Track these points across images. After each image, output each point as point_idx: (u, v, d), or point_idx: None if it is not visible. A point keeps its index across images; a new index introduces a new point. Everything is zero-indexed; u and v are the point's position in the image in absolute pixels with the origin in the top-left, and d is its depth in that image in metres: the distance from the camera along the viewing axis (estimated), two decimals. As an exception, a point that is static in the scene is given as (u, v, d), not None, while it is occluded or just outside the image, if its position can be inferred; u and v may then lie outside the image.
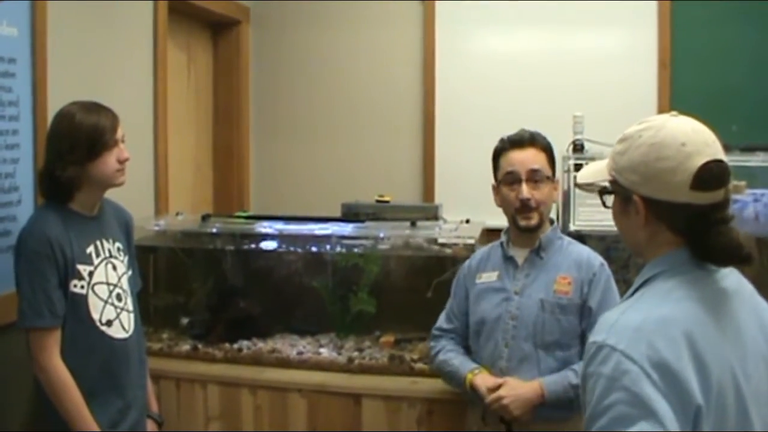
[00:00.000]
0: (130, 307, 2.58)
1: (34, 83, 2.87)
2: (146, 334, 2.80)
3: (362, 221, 3.57)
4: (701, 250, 1.50)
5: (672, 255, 1.53)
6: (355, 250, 3.42)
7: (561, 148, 3.37)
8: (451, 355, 2.72)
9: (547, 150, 2.63)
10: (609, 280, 2.57)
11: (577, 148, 3.44)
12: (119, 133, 2.47)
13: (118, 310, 2.51)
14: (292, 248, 3.53)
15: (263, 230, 3.55)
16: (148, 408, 2.71)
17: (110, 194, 2.59)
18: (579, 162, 3.34)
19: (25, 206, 2.80)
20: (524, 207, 2.57)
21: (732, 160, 1.54)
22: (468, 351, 2.73)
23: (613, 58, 4.41)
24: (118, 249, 2.58)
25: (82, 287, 2.40)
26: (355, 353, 3.28)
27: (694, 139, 1.49)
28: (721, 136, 1.54)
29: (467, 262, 2.82)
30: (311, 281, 3.52)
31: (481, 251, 2.80)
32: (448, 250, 3.29)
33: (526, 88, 4.49)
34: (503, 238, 2.71)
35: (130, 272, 2.62)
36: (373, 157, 4.76)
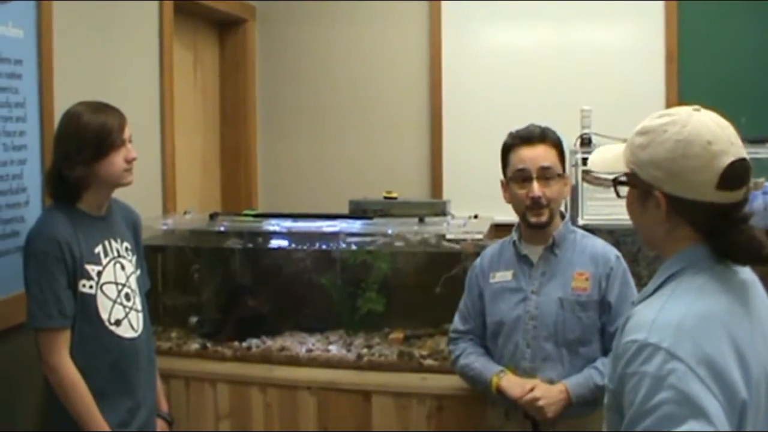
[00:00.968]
0: (139, 306, 2.58)
1: (41, 84, 2.87)
2: (155, 333, 2.80)
3: (370, 218, 3.57)
4: (723, 247, 1.49)
5: (692, 251, 1.51)
6: (364, 246, 3.42)
7: (569, 142, 3.36)
8: (473, 358, 2.68)
9: (558, 146, 2.59)
10: (625, 272, 2.56)
11: (585, 142, 3.43)
12: (127, 133, 2.47)
13: (127, 310, 2.51)
14: (300, 246, 3.53)
15: (271, 228, 3.55)
16: (158, 407, 2.72)
17: (118, 194, 2.59)
18: (586, 156, 3.33)
19: (32, 207, 2.80)
20: (535, 204, 2.54)
21: (742, 152, 1.52)
22: (488, 351, 2.70)
23: (620, 52, 4.39)
24: (127, 249, 2.58)
25: (91, 287, 2.41)
26: (365, 350, 3.28)
27: (721, 137, 1.47)
28: (731, 129, 1.52)
29: (478, 261, 2.78)
30: (320, 279, 3.51)
31: (492, 249, 2.76)
32: (457, 246, 3.28)
33: (533, 83, 4.48)
34: (514, 235, 2.68)
35: (138, 272, 2.63)
36: (381, 154, 4.75)
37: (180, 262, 3.67)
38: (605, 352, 2.49)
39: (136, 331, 2.53)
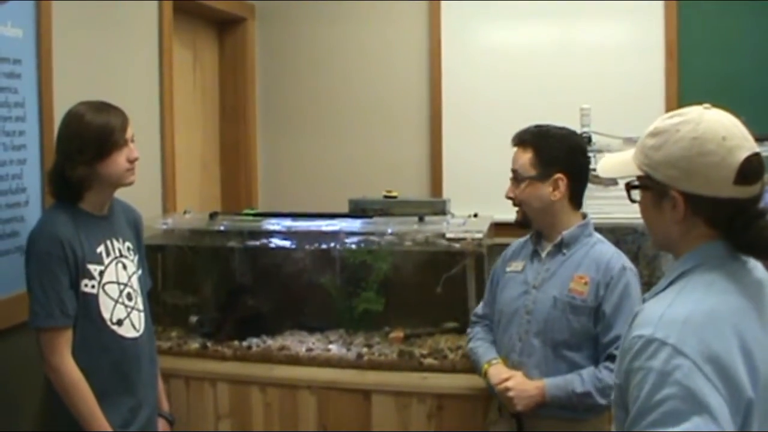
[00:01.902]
0: (141, 306, 2.57)
1: (40, 84, 2.87)
2: (155, 332, 2.80)
3: (370, 217, 3.57)
4: (744, 244, 1.49)
5: (706, 248, 1.51)
6: (363, 245, 3.42)
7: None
8: (479, 344, 2.76)
9: (536, 148, 2.57)
10: (628, 286, 2.48)
11: (585, 140, 3.43)
12: (129, 133, 2.46)
13: (129, 310, 2.51)
14: (300, 245, 3.53)
15: (271, 227, 3.55)
16: (159, 407, 2.71)
17: (118, 193, 2.59)
18: (586, 155, 3.34)
19: (32, 207, 2.80)
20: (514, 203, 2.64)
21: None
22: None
23: (620, 50, 4.39)
24: (128, 248, 2.58)
25: (93, 287, 2.40)
26: (365, 349, 3.28)
27: (734, 132, 1.47)
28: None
29: (506, 250, 2.82)
30: (320, 278, 3.52)
31: (520, 240, 2.78)
32: (457, 245, 3.28)
33: (533, 81, 4.47)
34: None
35: (140, 271, 2.62)
36: (381, 153, 4.75)
37: (180, 261, 3.67)
38: (596, 360, 2.49)
39: (138, 331, 2.52)
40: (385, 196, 3.96)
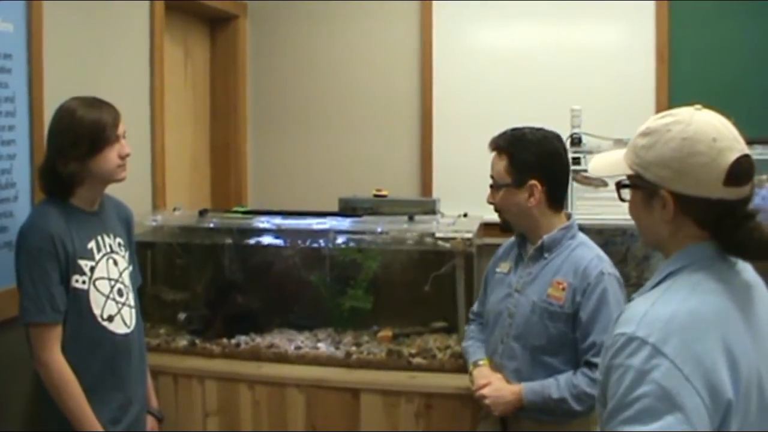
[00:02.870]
0: (132, 302, 2.57)
1: (30, 79, 2.86)
2: (144, 329, 2.80)
3: (360, 216, 3.57)
4: (732, 244, 1.50)
5: (696, 248, 1.52)
6: (353, 244, 3.42)
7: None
8: (470, 343, 2.80)
9: (510, 155, 2.56)
10: (605, 292, 2.44)
11: (575, 141, 3.44)
12: (121, 129, 2.46)
13: (120, 306, 2.51)
14: (289, 243, 3.53)
15: (261, 225, 3.55)
16: (148, 404, 2.72)
17: (108, 189, 2.58)
18: (576, 155, 3.35)
19: (21, 202, 2.79)
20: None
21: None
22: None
23: (611, 53, 4.39)
24: (119, 244, 2.57)
25: (84, 282, 2.40)
26: (353, 348, 3.28)
27: (724, 133, 1.49)
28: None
29: (498, 249, 2.83)
30: (309, 276, 3.52)
31: (512, 239, 2.76)
32: (446, 245, 3.28)
33: (524, 82, 4.48)
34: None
35: (130, 268, 2.62)
36: (371, 152, 4.75)
37: (169, 258, 3.67)
38: (576, 365, 2.48)
39: (128, 327, 2.52)
40: (375, 195, 3.96)
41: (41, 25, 2.91)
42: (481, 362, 2.66)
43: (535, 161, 2.54)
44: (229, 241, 3.57)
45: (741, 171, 1.46)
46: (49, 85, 2.93)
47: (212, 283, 3.67)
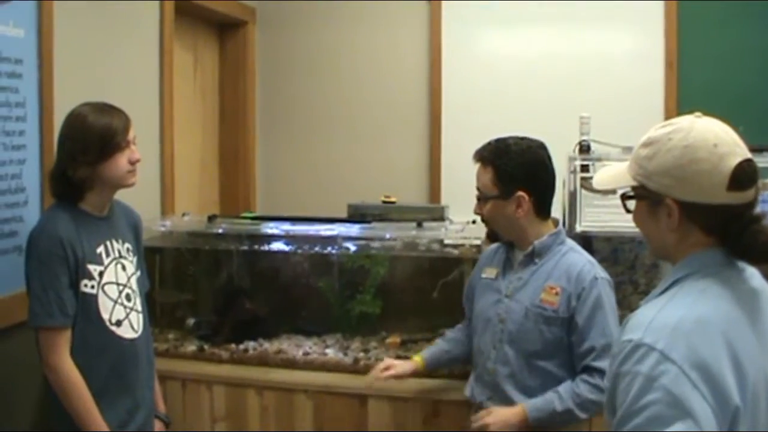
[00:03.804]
0: (140, 307, 2.58)
1: (41, 84, 2.87)
2: (152, 334, 2.81)
3: (368, 222, 3.57)
4: (739, 249, 1.50)
5: (703, 255, 1.52)
6: (361, 250, 3.42)
7: (567, 148, 3.37)
8: (438, 340, 2.96)
9: (495, 167, 2.55)
10: (600, 297, 2.45)
11: (584, 149, 3.43)
12: (131, 135, 2.47)
13: (128, 311, 2.51)
14: (298, 249, 3.53)
15: (269, 231, 3.55)
16: (156, 408, 2.72)
17: (117, 195, 2.59)
18: (585, 163, 3.34)
19: (31, 207, 2.80)
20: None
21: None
22: (469, 339, 2.79)
23: (619, 59, 4.40)
24: (128, 249, 2.58)
25: (93, 287, 2.41)
26: (361, 354, 3.28)
27: (725, 139, 1.49)
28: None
29: (484, 252, 2.84)
30: (317, 282, 3.52)
31: (497, 245, 2.77)
32: (455, 251, 3.29)
33: (533, 88, 4.48)
34: None
35: (139, 273, 2.63)
36: (380, 158, 4.75)
37: (178, 263, 3.67)
38: (572, 368, 2.48)
39: (136, 332, 2.53)
40: (384, 202, 3.97)
41: (52, 31, 2.93)
42: (416, 357, 2.85)
43: (521, 172, 2.53)
44: (237, 246, 3.58)
45: (744, 175, 1.46)
46: (59, 90, 2.94)
47: (221, 288, 3.67)
